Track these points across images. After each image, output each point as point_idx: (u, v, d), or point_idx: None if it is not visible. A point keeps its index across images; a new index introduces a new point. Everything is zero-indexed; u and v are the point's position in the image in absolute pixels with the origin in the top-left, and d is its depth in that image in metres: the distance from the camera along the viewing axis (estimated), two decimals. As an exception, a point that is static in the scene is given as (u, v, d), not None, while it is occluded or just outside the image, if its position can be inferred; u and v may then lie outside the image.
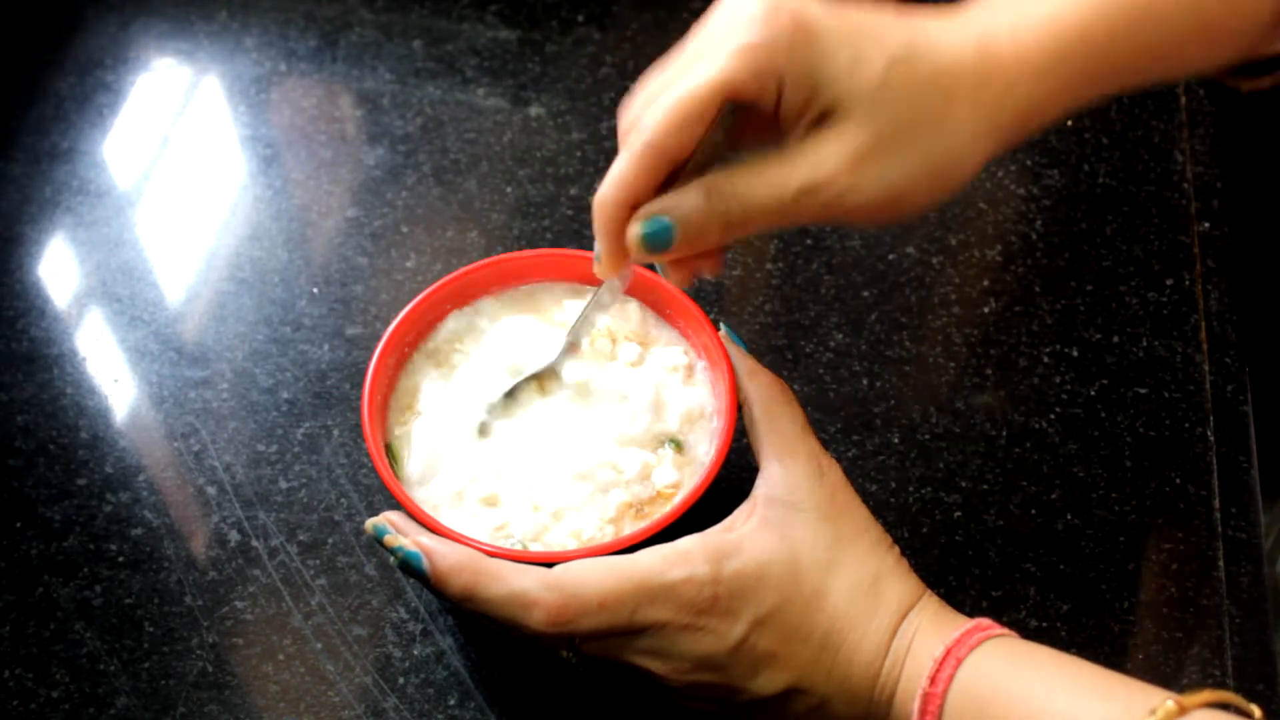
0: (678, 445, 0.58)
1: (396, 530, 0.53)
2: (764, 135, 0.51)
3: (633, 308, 0.62)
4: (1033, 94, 0.50)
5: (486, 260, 0.62)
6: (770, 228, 0.51)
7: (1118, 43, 0.51)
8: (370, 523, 0.53)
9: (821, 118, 0.49)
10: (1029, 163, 0.78)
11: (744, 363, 0.57)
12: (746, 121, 0.51)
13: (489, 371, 0.60)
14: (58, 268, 0.75)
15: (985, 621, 0.50)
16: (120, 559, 0.63)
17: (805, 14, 0.48)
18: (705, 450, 0.58)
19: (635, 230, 0.50)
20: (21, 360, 0.70)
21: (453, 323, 0.62)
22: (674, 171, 0.50)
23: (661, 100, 0.49)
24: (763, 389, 0.56)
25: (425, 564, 0.51)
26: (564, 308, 0.62)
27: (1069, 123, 0.80)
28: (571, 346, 0.59)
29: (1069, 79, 0.51)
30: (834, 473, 0.53)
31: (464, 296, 0.62)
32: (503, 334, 0.61)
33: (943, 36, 0.50)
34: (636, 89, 0.53)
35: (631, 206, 0.50)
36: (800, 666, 0.50)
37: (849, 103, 0.48)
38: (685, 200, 0.50)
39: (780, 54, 0.48)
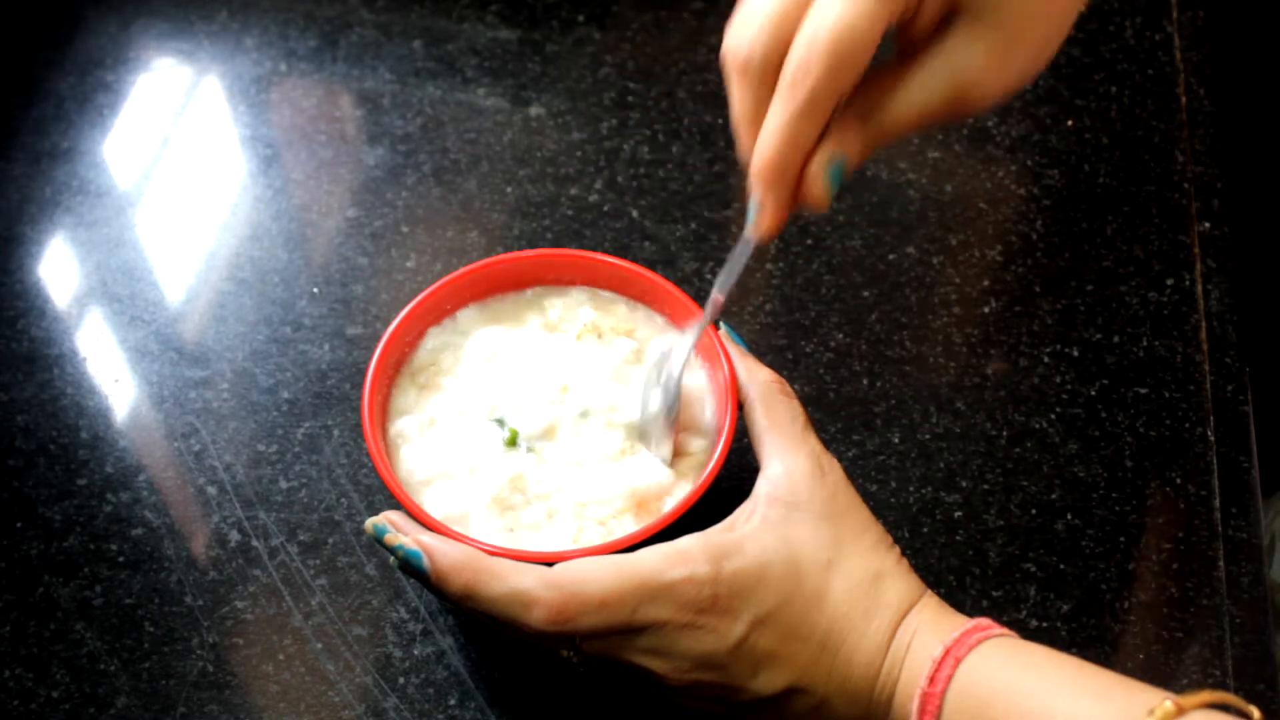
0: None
1: (397, 529, 0.53)
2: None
3: (621, 306, 0.62)
4: None
5: (487, 260, 0.62)
6: (911, 134, 0.51)
7: None
8: (370, 522, 0.53)
9: (946, 18, 0.48)
10: (1029, 163, 0.78)
11: (744, 362, 0.57)
12: None
13: (490, 373, 0.60)
14: (58, 268, 0.75)
15: (985, 621, 0.50)
16: (120, 559, 0.63)
17: None
18: (705, 450, 0.58)
19: (822, 179, 0.48)
20: (21, 360, 0.70)
21: (452, 327, 0.62)
22: None
23: (815, 35, 0.45)
24: (763, 388, 0.56)
25: (425, 562, 0.51)
26: (576, 315, 0.62)
27: (1069, 122, 0.80)
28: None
29: None
30: (834, 472, 0.53)
31: (464, 296, 0.62)
32: (503, 336, 0.61)
33: None
34: (739, 11, 0.49)
35: (805, 156, 0.48)
36: (800, 666, 0.50)
37: (980, 4, 0.47)
38: (848, 139, 0.48)
39: None
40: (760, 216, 0.49)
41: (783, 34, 0.47)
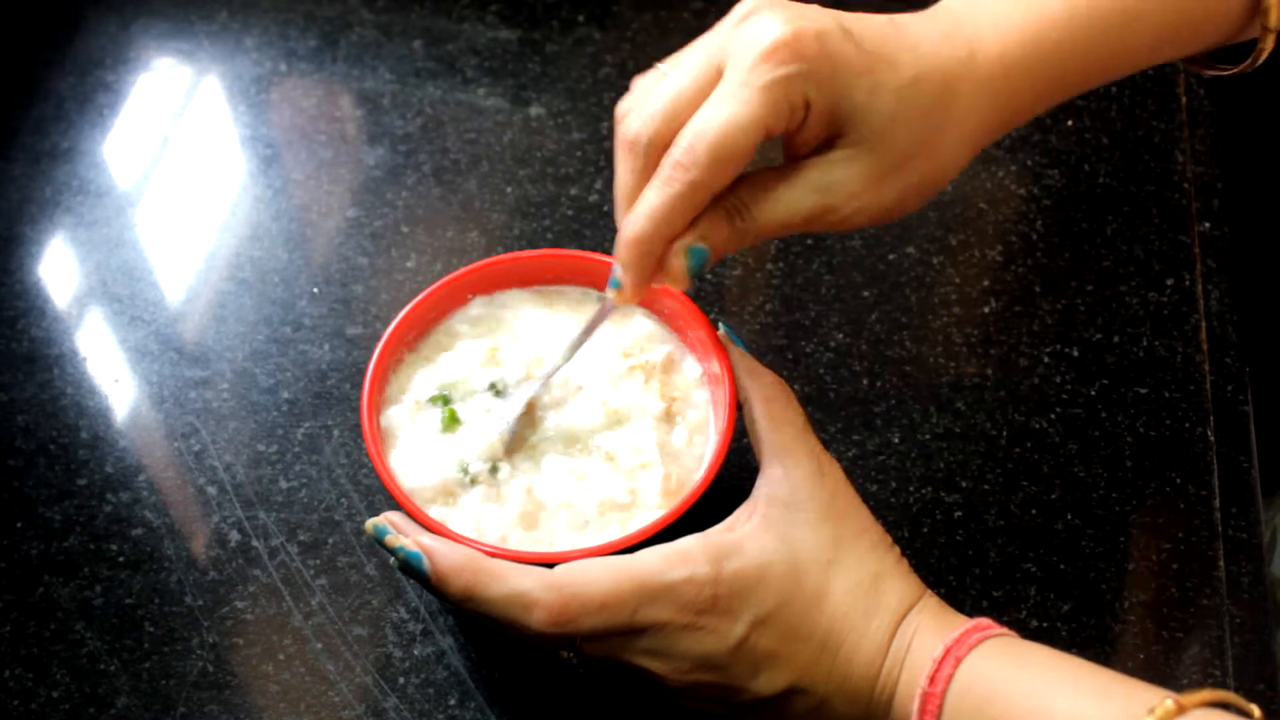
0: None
1: (397, 530, 0.53)
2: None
3: (641, 320, 0.62)
4: (1017, 102, 0.54)
5: (490, 259, 0.62)
6: (775, 237, 0.56)
7: (1095, 45, 0.54)
8: (371, 523, 0.53)
9: (831, 138, 0.51)
10: (1029, 163, 0.78)
11: (744, 362, 0.57)
12: None
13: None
14: (58, 268, 0.75)
15: (985, 621, 0.50)
16: (120, 559, 0.63)
17: (830, 44, 0.50)
18: (705, 450, 0.58)
19: (681, 263, 0.51)
20: (21, 360, 0.70)
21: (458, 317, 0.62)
22: None
23: (700, 134, 0.49)
24: (763, 388, 0.56)
25: (426, 564, 0.51)
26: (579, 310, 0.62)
27: (1069, 122, 0.80)
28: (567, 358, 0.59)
29: (1050, 84, 0.54)
30: (834, 473, 0.53)
31: (464, 294, 0.62)
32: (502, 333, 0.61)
33: (939, 52, 0.52)
34: (635, 91, 0.53)
35: (669, 240, 0.51)
36: (800, 666, 0.50)
37: (862, 132, 0.51)
38: (713, 226, 0.51)
39: (811, 86, 0.50)
40: (622, 286, 0.52)
41: (673, 122, 0.50)
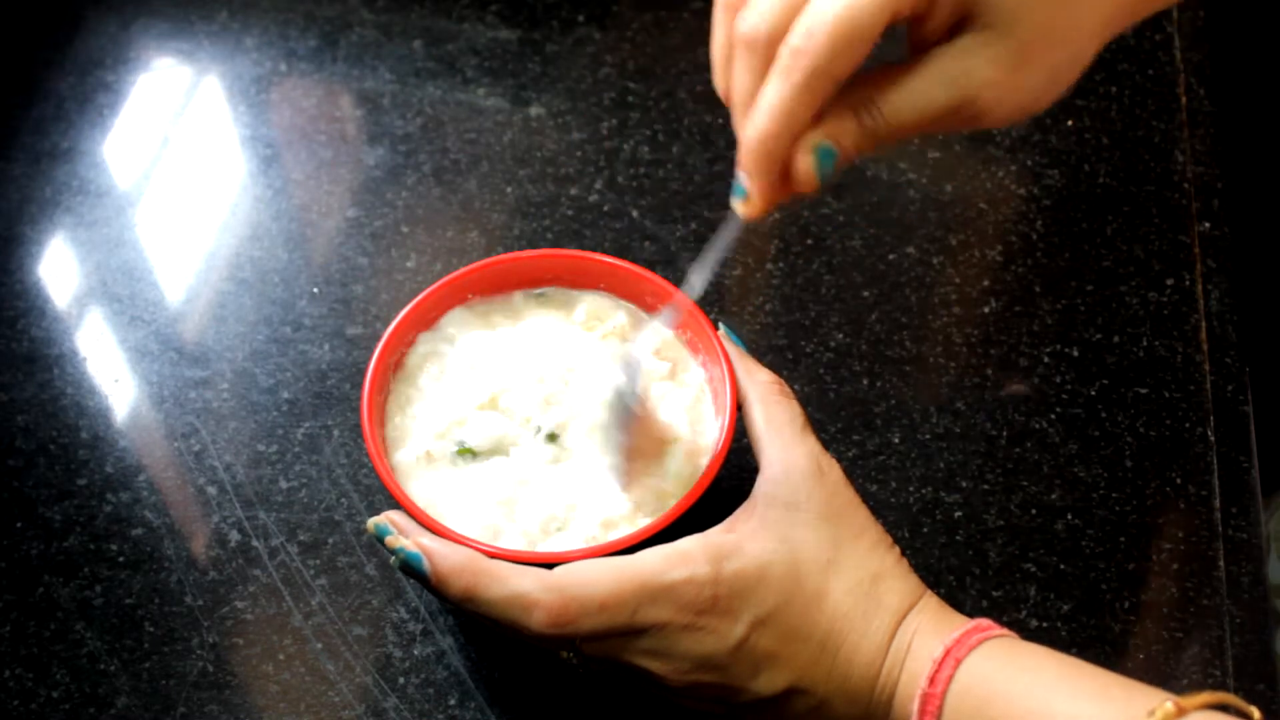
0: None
1: (399, 530, 0.53)
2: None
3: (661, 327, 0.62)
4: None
5: (489, 259, 0.62)
6: (911, 136, 0.50)
7: None
8: (372, 521, 0.53)
9: (960, 23, 0.47)
10: (1029, 163, 0.78)
11: (743, 362, 0.57)
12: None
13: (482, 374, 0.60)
14: (58, 268, 0.75)
15: (985, 622, 0.50)
16: (120, 559, 0.63)
17: None
18: (705, 450, 0.58)
19: (809, 162, 0.47)
20: (21, 360, 0.70)
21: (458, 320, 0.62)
22: None
23: (818, 16, 0.45)
24: (762, 388, 0.56)
25: (426, 565, 0.51)
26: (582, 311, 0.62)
27: (1069, 122, 0.80)
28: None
29: None
30: (834, 472, 0.53)
31: (465, 294, 0.62)
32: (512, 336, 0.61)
33: None
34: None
35: (795, 138, 0.47)
36: (800, 667, 0.50)
37: (996, 12, 0.46)
38: (842, 124, 0.47)
39: None
40: (749, 195, 0.49)
41: (793, 13, 0.46)
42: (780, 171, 0.48)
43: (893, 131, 0.48)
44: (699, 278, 0.54)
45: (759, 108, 0.47)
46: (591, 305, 0.62)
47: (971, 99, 0.47)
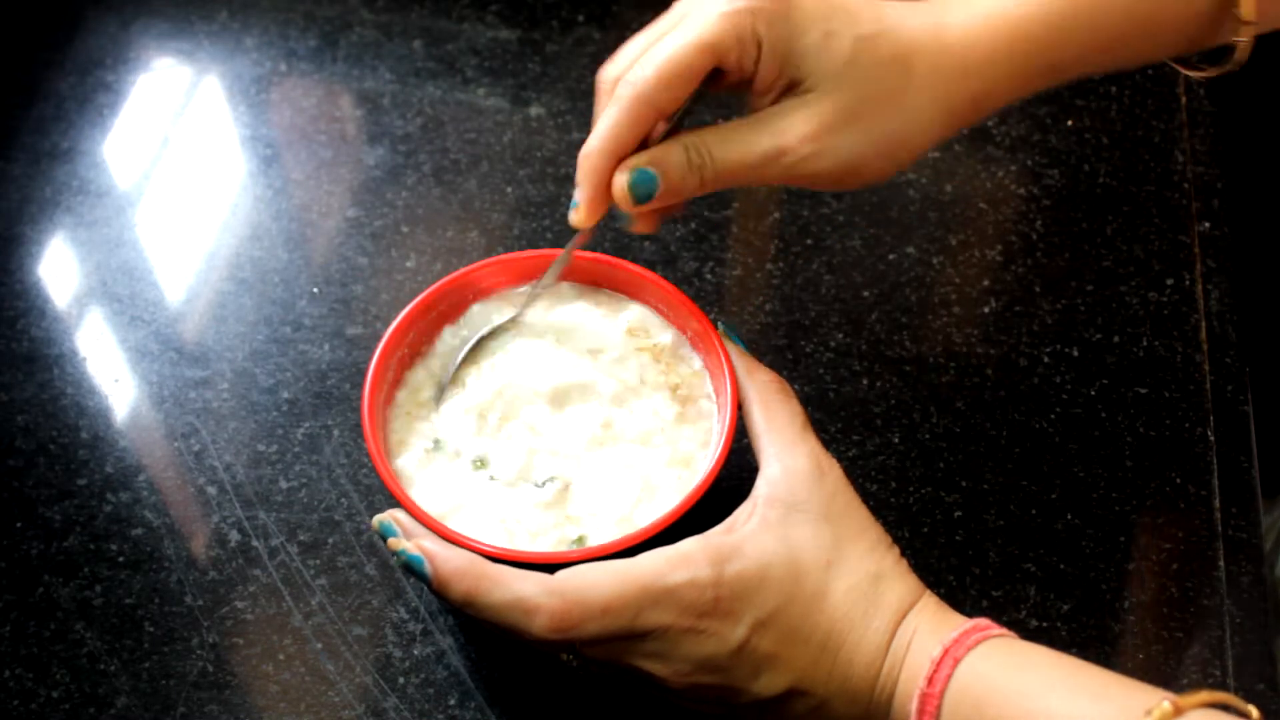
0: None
1: (403, 530, 0.53)
2: (734, 91, 0.55)
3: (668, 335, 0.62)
4: (983, 79, 0.55)
5: (490, 259, 0.62)
6: (741, 184, 0.56)
7: (1056, 38, 0.55)
8: (377, 520, 0.53)
9: (790, 87, 0.53)
10: (1029, 163, 0.78)
11: (743, 361, 0.57)
12: (719, 81, 0.55)
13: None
14: (58, 268, 0.75)
15: (984, 622, 0.50)
16: (120, 559, 0.63)
17: None
18: (706, 450, 0.58)
19: (623, 180, 0.54)
20: (21, 360, 0.70)
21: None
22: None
23: (651, 56, 0.53)
24: (762, 388, 0.56)
25: (428, 568, 0.51)
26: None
27: (1069, 122, 0.80)
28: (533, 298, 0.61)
29: (1014, 69, 0.55)
30: (834, 473, 0.53)
31: (465, 296, 0.62)
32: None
33: (905, 20, 0.54)
34: (617, 53, 0.56)
35: (617, 158, 0.54)
36: (801, 668, 0.50)
37: (818, 77, 0.53)
38: (669, 155, 0.53)
39: (761, 22, 0.52)
40: (578, 205, 0.55)
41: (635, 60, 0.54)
42: (604, 186, 0.54)
43: (718, 172, 0.53)
44: (551, 274, 0.60)
45: (594, 129, 0.54)
46: (641, 315, 0.62)
47: (788, 149, 0.53)
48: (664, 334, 0.61)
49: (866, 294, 0.72)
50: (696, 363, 0.61)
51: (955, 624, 0.50)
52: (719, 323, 0.59)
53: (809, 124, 0.53)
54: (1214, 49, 0.59)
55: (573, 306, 0.62)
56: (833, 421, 0.67)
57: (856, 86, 0.53)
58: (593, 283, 0.63)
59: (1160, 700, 0.44)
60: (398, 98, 0.82)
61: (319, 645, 0.60)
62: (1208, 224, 0.75)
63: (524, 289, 0.62)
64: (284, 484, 0.65)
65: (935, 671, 0.48)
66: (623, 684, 0.53)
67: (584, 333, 0.61)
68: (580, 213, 0.55)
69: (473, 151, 0.79)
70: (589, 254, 0.63)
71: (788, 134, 0.53)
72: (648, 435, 0.58)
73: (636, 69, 0.53)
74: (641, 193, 0.54)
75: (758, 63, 0.53)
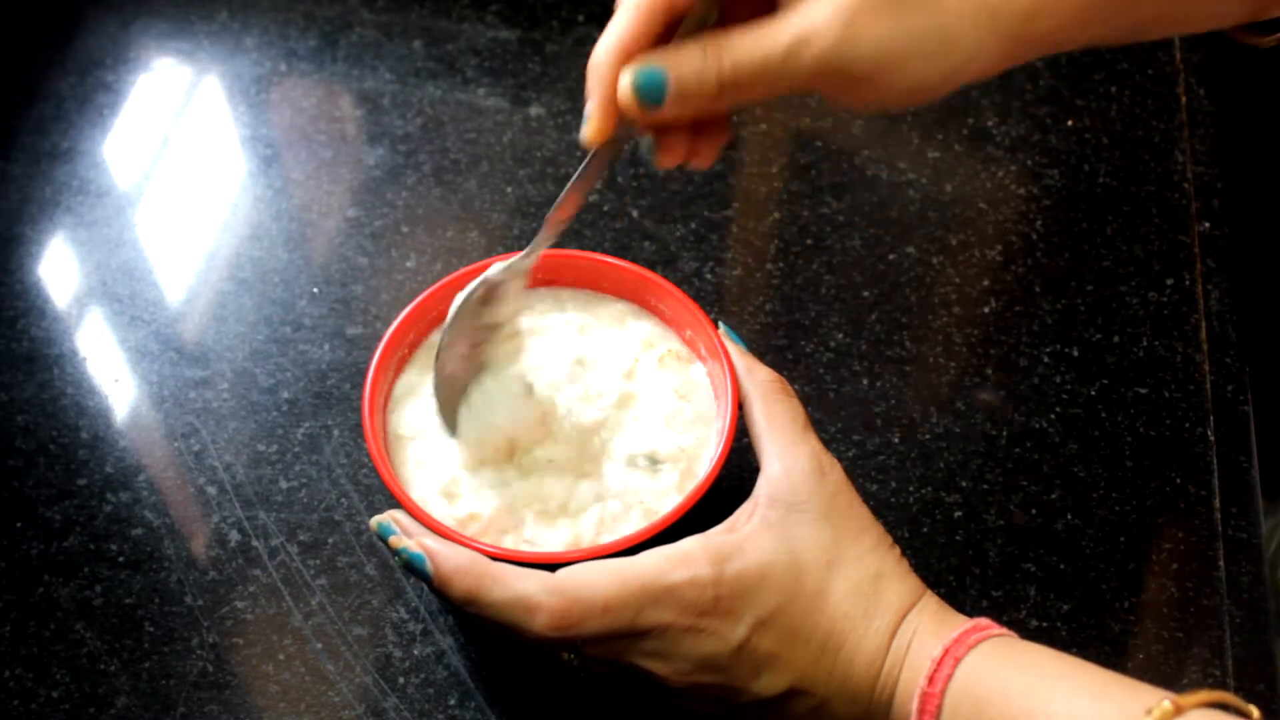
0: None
1: (402, 530, 0.52)
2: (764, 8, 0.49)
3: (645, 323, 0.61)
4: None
5: (486, 261, 0.62)
6: (767, 93, 0.48)
7: None
8: (375, 520, 0.53)
9: None
10: (1029, 163, 0.78)
11: (743, 361, 0.57)
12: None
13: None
14: (58, 268, 0.75)
15: (984, 621, 0.50)
16: (120, 559, 0.63)
17: None
18: (706, 450, 0.58)
19: (626, 79, 0.48)
20: (21, 360, 0.70)
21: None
22: (670, 32, 0.49)
23: None
24: (763, 387, 0.56)
25: (429, 566, 0.51)
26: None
27: (1069, 122, 0.80)
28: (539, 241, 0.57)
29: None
30: (835, 472, 0.53)
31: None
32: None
33: None
34: None
35: (626, 58, 0.48)
36: (801, 668, 0.50)
37: None
38: (681, 53, 0.47)
39: None
40: (588, 116, 0.50)
41: None
42: (613, 93, 0.48)
43: (738, 69, 0.47)
44: (565, 206, 0.55)
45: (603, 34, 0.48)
46: (648, 322, 0.62)
47: (814, 32, 0.46)
48: (670, 338, 0.61)
49: (866, 294, 0.72)
50: (697, 362, 0.61)
51: (956, 623, 0.50)
52: (719, 323, 0.59)
53: (833, 9, 0.46)
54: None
55: (571, 306, 0.62)
56: (833, 421, 0.67)
57: None
58: (592, 284, 0.63)
59: (1161, 700, 0.44)
60: (398, 98, 0.82)
61: (319, 645, 0.60)
62: (1208, 224, 0.75)
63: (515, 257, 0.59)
64: (284, 484, 0.65)
65: (936, 671, 0.48)
66: (623, 684, 0.53)
67: (585, 334, 0.61)
68: (590, 124, 0.50)
69: (473, 151, 0.79)
70: (590, 254, 0.63)
71: (815, 15, 0.46)
72: (648, 435, 0.58)
73: None
74: (648, 92, 0.47)
75: None
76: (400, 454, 0.58)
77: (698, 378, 0.60)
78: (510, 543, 0.55)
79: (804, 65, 0.46)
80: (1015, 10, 0.48)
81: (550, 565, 0.51)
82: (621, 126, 0.50)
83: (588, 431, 0.57)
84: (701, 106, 0.48)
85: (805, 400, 0.57)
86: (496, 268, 0.57)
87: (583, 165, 0.53)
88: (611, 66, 0.48)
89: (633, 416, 0.58)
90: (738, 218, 0.76)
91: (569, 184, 0.54)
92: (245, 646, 0.60)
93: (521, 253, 0.57)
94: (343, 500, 0.65)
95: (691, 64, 0.47)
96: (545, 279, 0.63)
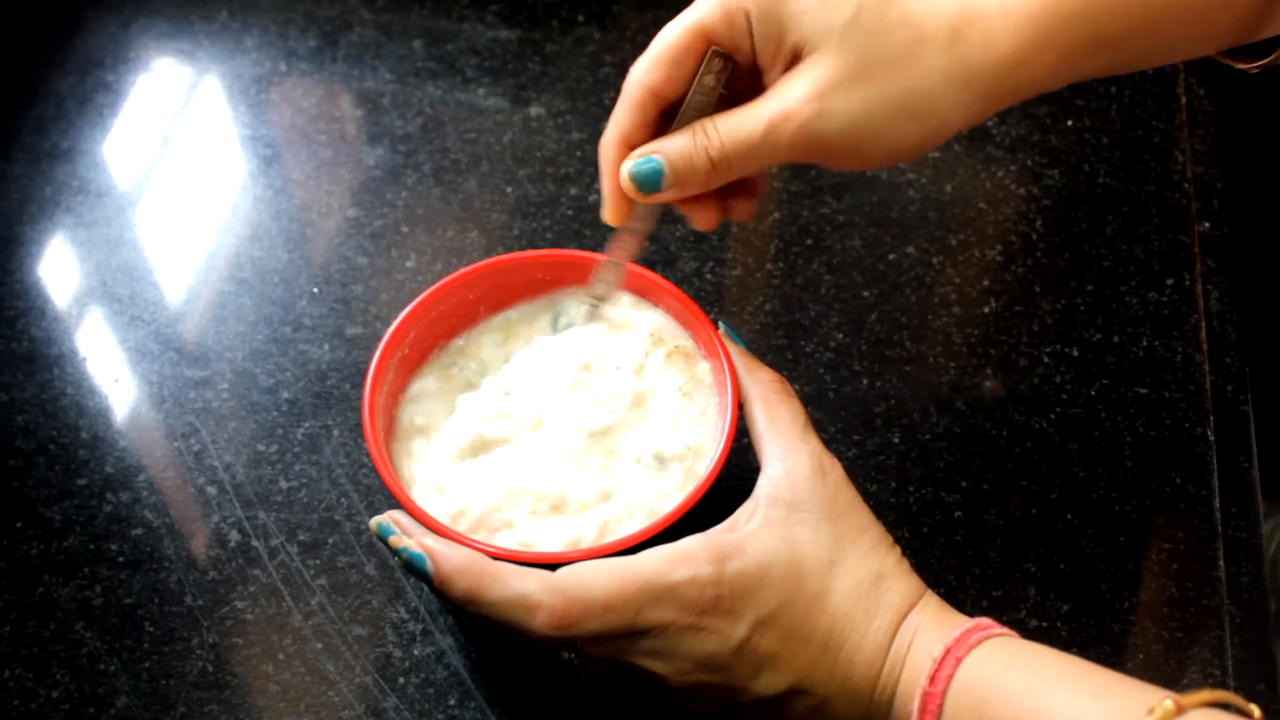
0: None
1: (402, 530, 0.53)
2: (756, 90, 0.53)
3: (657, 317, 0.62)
4: (1014, 50, 0.50)
5: (492, 259, 0.62)
6: (754, 168, 0.53)
7: (1104, 11, 0.50)
8: (375, 521, 0.53)
9: (794, 59, 0.51)
10: (1029, 163, 0.78)
11: (744, 361, 0.57)
12: (740, 79, 0.53)
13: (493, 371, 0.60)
14: (58, 268, 0.75)
15: (985, 621, 0.50)
16: (120, 559, 0.63)
17: None
18: (707, 450, 0.58)
19: (626, 168, 0.53)
20: (21, 360, 0.70)
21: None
22: (668, 118, 0.54)
23: (645, 53, 0.53)
24: (764, 387, 0.56)
25: (429, 566, 0.51)
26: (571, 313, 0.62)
27: (1069, 122, 0.80)
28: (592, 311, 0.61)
29: (1053, 41, 0.50)
30: (835, 472, 0.53)
31: (467, 296, 0.62)
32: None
33: None
34: None
35: (628, 147, 0.54)
36: (802, 667, 0.50)
37: (818, 37, 0.50)
38: (673, 140, 0.53)
39: None
40: (604, 198, 0.55)
41: None
42: (619, 178, 0.54)
43: (725, 149, 0.52)
44: (611, 280, 0.60)
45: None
46: (661, 323, 0.62)
47: (791, 111, 0.50)
48: (678, 333, 0.61)
49: (866, 294, 0.72)
50: (697, 362, 0.61)
51: (957, 623, 0.50)
52: (720, 323, 0.59)
53: (811, 83, 0.50)
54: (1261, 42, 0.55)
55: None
56: (833, 421, 0.67)
57: (862, 44, 0.50)
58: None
59: (1162, 699, 0.44)
60: (398, 98, 0.82)
61: (319, 645, 0.60)
62: (1208, 224, 0.75)
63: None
64: (284, 484, 0.65)
65: (937, 670, 0.48)
66: (623, 683, 0.53)
67: (586, 337, 0.61)
68: (606, 208, 0.55)
69: (473, 151, 0.79)
70: (590, 254, 0.62)
71: (791, 95, 0.50)
72: (649, 435, 0.58)
73: (636, 62, 0.53)
74: (645, 181, 0.53)
75: (753, 37, 0.51)
76: (400, 454, 0.58)
77: (702, 374, 0.60)
78: (507, 541, 0.55)
79: (783, 142, 0.51)
80: (992, 66, 0.50)
81: (550, 565, 0.51)
82: (639, 205, 0.55)
83: (598, 434, 0.57)
84: (699, 187, 0.53)
85: (805, 400, 0.57)
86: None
87: (612, 240, 0.58)
88: (615, 153, 0.54)
89: (641, 415, 0.58)
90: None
91: (603, 262, 0.59)
92: (245, 646, 0.60)
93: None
94: (343, 500, 0.65)
95: (682, 151, 0.52)
96: (547, 280, 0.63)
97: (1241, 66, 0.56)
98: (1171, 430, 0.67)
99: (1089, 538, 0.63)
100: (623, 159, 0.53)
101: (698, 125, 0.52)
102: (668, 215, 0.75)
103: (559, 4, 0.86)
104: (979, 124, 0.54)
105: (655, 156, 0.53)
